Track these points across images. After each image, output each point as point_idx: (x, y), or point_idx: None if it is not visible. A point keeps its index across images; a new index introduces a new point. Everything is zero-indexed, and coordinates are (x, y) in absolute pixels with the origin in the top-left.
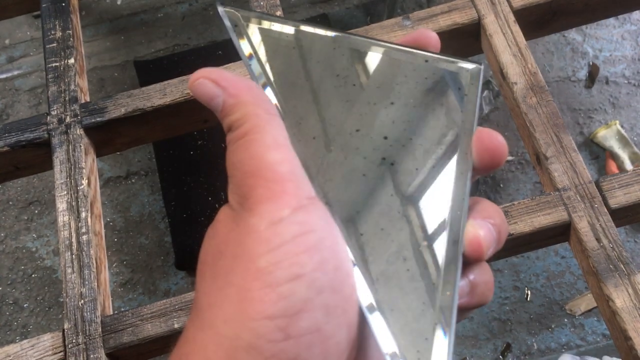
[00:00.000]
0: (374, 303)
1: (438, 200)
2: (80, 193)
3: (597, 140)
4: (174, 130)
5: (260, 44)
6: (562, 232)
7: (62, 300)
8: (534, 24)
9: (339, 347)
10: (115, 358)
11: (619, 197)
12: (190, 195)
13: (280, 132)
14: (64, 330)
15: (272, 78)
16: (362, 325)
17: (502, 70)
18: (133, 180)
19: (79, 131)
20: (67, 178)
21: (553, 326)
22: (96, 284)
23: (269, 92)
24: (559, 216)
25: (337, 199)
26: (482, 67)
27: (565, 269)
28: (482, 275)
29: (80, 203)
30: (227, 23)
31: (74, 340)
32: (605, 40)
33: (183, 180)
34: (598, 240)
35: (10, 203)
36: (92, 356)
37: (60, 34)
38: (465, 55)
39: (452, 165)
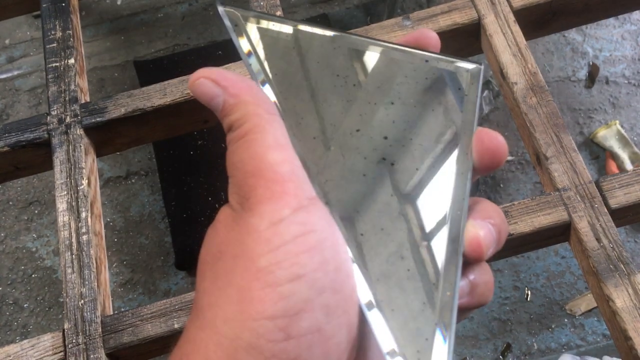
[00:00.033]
0: (374, 303)
1: (438, 201)
2: (80, 193)
3: (597, 140)
4: (174, 130)
5: (261, 43)
6: (562, 232)
7: (62, 300)
8: (534, 24)
9: (340, 347)
10: (115, 358)
11: (619, 197)
12: (190, 195)
13: (280, 132)
14: (64, 330)
15: (272, 78)
16: (363, 325)
17: (502, 70)
18: (133, 180)
19: (79, 131)
20: (67, 178)
21: (553, 326)
22: (96, 284)
23: (268, 91)
24: (559, 216)
25: (337, 199)
26: (482, 67)
27: (565, 269)
28: (482, 275)
29: (80, 203)
30: (227, 23)
31: (74, 341)
32: (605, 40)
33: (183, 180)
34: (598, 240)
35: (11, 203)
36: (92, 356)
37: (61, 34)
38: (465, 55)
39: (452, 165)
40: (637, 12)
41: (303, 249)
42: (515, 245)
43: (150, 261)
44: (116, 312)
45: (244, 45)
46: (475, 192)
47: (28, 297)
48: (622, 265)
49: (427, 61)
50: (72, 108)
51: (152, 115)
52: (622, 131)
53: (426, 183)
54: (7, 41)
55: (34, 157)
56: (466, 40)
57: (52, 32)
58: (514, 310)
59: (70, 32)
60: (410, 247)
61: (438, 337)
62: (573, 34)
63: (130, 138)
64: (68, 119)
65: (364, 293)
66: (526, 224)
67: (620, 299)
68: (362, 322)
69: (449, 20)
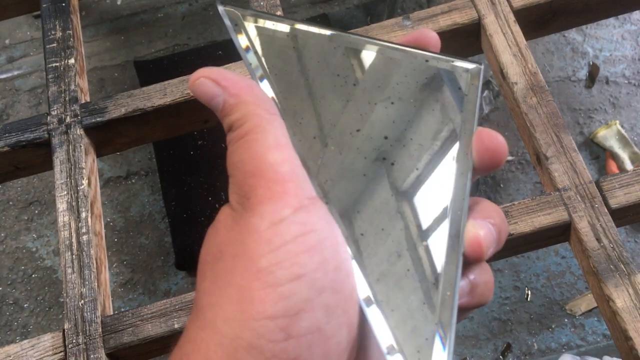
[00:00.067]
0: (375, 303)
1: (438, 200)
2: (81, 193)
3: (597, 140)
4: (174, 130)
5: (261, 43)
6: (563, 232)
7: (62, 300)
8: (534, 24)
9: (340, 347)
10: (115, 358)
11: (619, 197)
12: (191, 195)
13: (281, 132)
14: (64, 330)
15: (272, 77)
16: (363, 325)
17: (502, 70)
18: (133, 181)
19: (79, 131)
20: (67, 178)
21: (553, 326)
22: (96, 284)
23: (268, 89)
24: (559, 216)
25: (337, 198)
26: (482, 67)
27: (565, 269)
28: (482, 275)
29: (80, 203)
30: (227, 22)
31: (74, 341)
32: (606, 40)
33: (183, 180)
34: (598, 240)
35: (11, 203)
36: (92, 356)
37: (61, 34)
38: (465, 55)
39: (452, 165)
40: (637, 12)
41: (303, 249)
42: (515, 245)
43: (150, 261)
44: (116, 312)
45: (244, 44)
46: (475, 192)
47: (28, 297)
48: (622, 265)
49: (427, 61)
50: (72, 108)
51: (152, 115)
52: (622, 131)
53: (426, 183)
54: (7, 41)
55: (34, 157)
56: (466, 40)
57: (52, 32)
58: (514, 310)
59: (71, 32)
60: (410, 247)
61: (438, 336)
62: (573, 34)
63: (131, 138)
64: (68, 119)
65: (364, 293)
66: (526, 224)
67: (621, 299)
68: (362, 321)
69: (449, 20)
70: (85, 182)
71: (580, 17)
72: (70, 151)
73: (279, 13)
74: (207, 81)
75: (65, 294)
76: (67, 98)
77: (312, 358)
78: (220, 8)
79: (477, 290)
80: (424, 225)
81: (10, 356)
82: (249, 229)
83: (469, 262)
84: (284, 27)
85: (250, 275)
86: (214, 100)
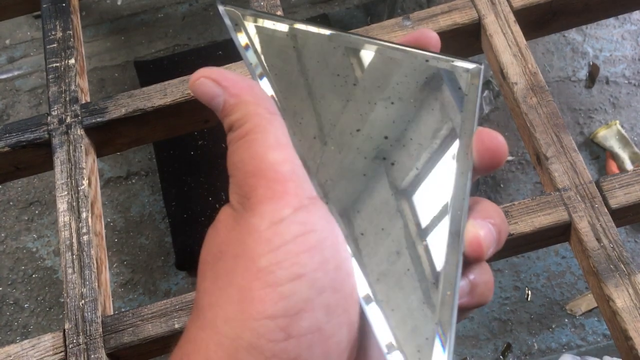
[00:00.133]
0: (375, 303)
1: (438, 201)
2: (81, 193)
3: (598, 140)
4: (174, 131)
5: (262, 43)
6: (563, 232)
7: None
8: (534, 24)
9: (340, 347)
10: (115, 358)
11: (620, 197)
12: (191, 196)
13: (281, 131)
14: (64, 330)
15: (272, 76)
16: (363, 324)
17: (503, 70)
18: (133, 181)
19: (80, 131)
20: (67, 178)
21: (554, 326)
22: (97, 284)
23: (268, 89)
24: (560, 216)
25: (337, 198)
26: (482, 67)
27: (565, 269)
28: (482, 275)
29: (80, 203)
30: (228, 22)
31: (74, 341)
32: (606, 40)
33: (183, 180)
34: (598, 240)
35: (11, 203)
36: (92, 356)
37: (61, 34)
38: (465, 55)
39: (452, 165)
40: (637, 12)
41: (303, 249)
42: (515, 245)
43: (150, 261)
44: (117, 312)
45: (244, 44)
46: (475, 192)
47: (28, 297)
48: (622, 265)
49: (427, 61)
50: (73, 108)
51: (152, 116)
52: (623, 131)
53: (426, 183)
54: (7, 41)
55: (34, 157)
56: (466, 40)
57: (53, 33)
58: (515, 310)
59: (71, 32)
60: (410, 247)
61: (438, 336)
62: (573, 34)
63: (131, 138)
64: (68, 119)
65: (364, 293)
66: (526, 224)
67: (621, 299)
68: (363, 321)
69: (449, 20)
70: (85, 182)
71: (580, 17)
72: (71, 151)
73: (279, 13)
74: (207, 81)
75: (65, 294)
76: (67, 98)
77: (312, 358)
78: (221, 8)
79: (477, 290)
80: (424, 225)
81: (10, 356)
82: (249, 229)
83: (469, 262)
84: (284, 27)
85: (251, 275)
86: (214, 100)
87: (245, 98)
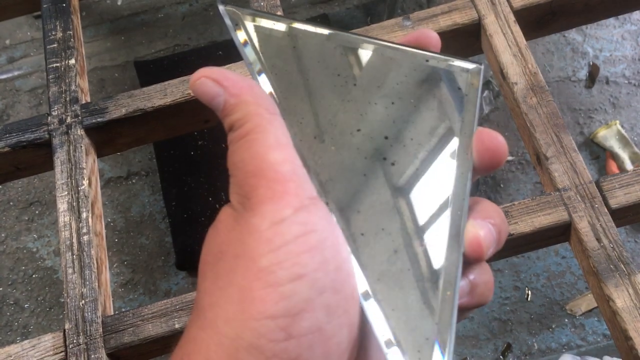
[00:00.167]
0: (375, 302)
1: (438, 201)
2: (81, 193)
3: (598, 140)
4: (174, 131)
5: (262, 42)
6: (563, 232)
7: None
8: (534, 24)
9: (340, 347)
10: (116, 358)
11: (620, 197)
12: (191, 196)
13: (281, 131)
14: (64, 330)
15: (272, 76)
16: (364, 325)
17: (503, 71)
18: (134, 181)
19: (80, 132)
20: (68, 178)
21: (554, 326)
22: (97, 284)
23: (268, 87)
24: (560, 216)
25: (338, 198)
26: (482, 67)
27: (565, 269)
28: (482, 275)
29: (81, 203)
30: (228, 22)
31: (74, 341)
32: (606, 40)
33: (183, 180)
34: (598, 240)
35: (11, 203)
36: (93, 356)
37: (61, 34)
38: (465, 55)
39: (452, 165)
40: (637, 12)
41: (304, 249)
42: (515, 245)
43: (150, 261)
44: (117, 312)
45: (244, 44)
46: (475, 192)
47: (29, 297)
48: (622, 265)
49: (427, 61)
50: (73, 108)
51: (152, 116)
52: (623, 131)
53: (426, 183)
54: (7, 41)
55: (34, 157)
56: (466, 40)
57: (53, 33)
58: (515, 310)
59: (71, 32)
60: (410, 247)
61: (438, 336)
62: (573, 34)
63: (131, 138)
64: (69, 120)
65: (364, 293)
66: (526, 224)
67: (621, 299)
68: (363, 322)
69: (449, 20)
70: (85, 182)
71: (580, 17)
72: (71, 151)
73: (279, 13)
74: (208, 81)
75: (66, 294)
76: (67, 98)
77: (313, 358)
78: (221, 7)
79: (477, 290)
80: (424, 225)
81: (11, 356)
82: (250, 229)
83: (469, 262)
84: (284, 27)
85: (251, 275)
86: (214, 100)
87: (245, 98)
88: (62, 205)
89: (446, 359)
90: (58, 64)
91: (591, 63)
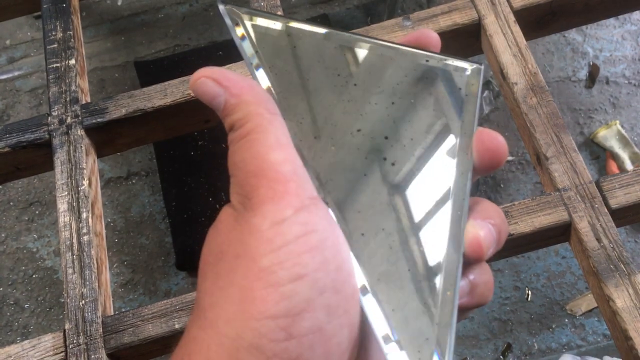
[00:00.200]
0: (375, 303)
1: (438, 201)
2: (81, 194)
3: (598, 140)
4: (174, 131)
5: (262, 42)
6: (563, 232)
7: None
8: (534, 24)
9: (341, 347)
10: (116, 358)
11: (620, 197)
12: (191, 196)
13: (282, 131)
14: (64, 330)
15: (273, 76)
16: (364, 325)
17: (503, 71)
18: (134, 181)
19: (80, 132)
20: (68, 179)
21: (554, 326)
22: (97, 284)
23: (264, 80)
24: (560, 216)
25: (338, 198)
26: (482, 67)
27: (565, 269)
28: (482, 275)
29: (81, 204)
30: (228, 21)
31: (75, 341)
32: (606, 40)
33: (184, 180)
34: (598, 240)
35: (11, 204)
36: (93, 356)
37: (61, 34)
38: (465, 56)
39: (452, 165)
40: (637, 12)
41: (305, 249)
42: (515, 245)
43: (150, 261)
44: (117, 312)
45: (245, 44)
46: (475, 192)
47: (29, 297)
48: (622, 265)
49: (427, 61)
50: (73, 109)
51: (152, 116)
52: (623, 131)
53: (426, 183)
54: (7, 42)
55: (34, 157)
56: (466, 40)
57: (53, 33)
58: (515, 310)
59: (71, 32)
60: (410, 247)
61: (439, 336)
62: (573, 34)
63: (131, 138)
64: (69, 120)
65: (364, 292)
66: (526, 224)
67: (621, 299)
68: (364, 322)
69: (449, 20)
70: (85, 182)
71: (580, 17)
72: (71, 152)
73: (279, 13)
74: (208, 81)
75: (66, 295)
76: (67, 99)
77: (313, 358)
78: (221, 7)
79: (477, 290)
80: (424, 225)
81: (11, 356)
82: (251, 229)
83: (469, 262)
84: (284, 27)
85: (252, 275)
86: (215, 100)
87: (246, 98)
88: (62, 206)
89: (446, 359)
90: (58, 64)
91: (591, 63)
